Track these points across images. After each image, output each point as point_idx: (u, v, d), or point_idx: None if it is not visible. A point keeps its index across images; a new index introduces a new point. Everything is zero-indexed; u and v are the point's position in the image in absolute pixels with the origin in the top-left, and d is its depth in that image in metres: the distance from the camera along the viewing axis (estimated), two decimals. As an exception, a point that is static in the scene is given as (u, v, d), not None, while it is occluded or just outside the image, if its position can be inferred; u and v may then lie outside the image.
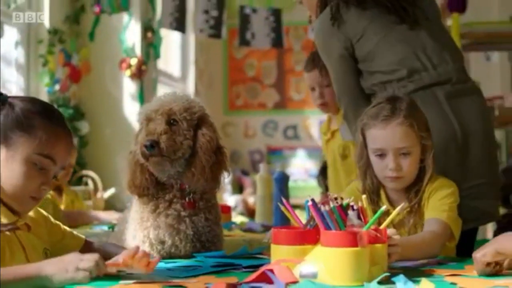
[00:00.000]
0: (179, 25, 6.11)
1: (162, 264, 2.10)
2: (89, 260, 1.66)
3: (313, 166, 8.61)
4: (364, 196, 1.94)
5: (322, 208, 1.74)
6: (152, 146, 2.16)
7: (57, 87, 5.20)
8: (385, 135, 2.29)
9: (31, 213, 1.99)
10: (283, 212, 3.34)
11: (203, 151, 2.22)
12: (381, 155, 2.31)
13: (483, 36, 5.40)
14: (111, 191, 5.04)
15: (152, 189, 2.26)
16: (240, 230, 3.53)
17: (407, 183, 2.34)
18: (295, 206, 4.03)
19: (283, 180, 3.60)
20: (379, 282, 1.65)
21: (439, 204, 2.29)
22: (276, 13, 6.26)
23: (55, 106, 4.95)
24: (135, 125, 5.77)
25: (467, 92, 2.63)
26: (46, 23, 5.26)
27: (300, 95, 8.86)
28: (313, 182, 8.58)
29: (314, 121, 8.73)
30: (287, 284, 1.55)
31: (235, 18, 6.34)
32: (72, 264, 1.66)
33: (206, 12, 6.05)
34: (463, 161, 2.55)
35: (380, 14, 2.71)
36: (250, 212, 7.28)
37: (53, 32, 5.29)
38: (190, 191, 2.26)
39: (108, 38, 5.82)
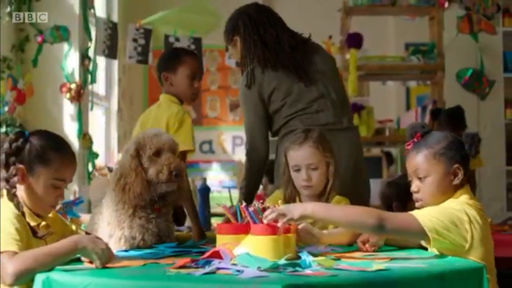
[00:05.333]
0: (111, 52, 6.59)
1: (132, 252, 2.68)
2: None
3: (226, 178, 8.93)
4: (280, 201, 2.56)
5: (250, 209, 2.41)
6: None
7: (6, 109, 5.51)
8: (299, 154, 3.00)
9: (50, 214, 2.56)
10: (205, 218, 4.02)
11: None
12: (297, 170, 3.00)
13: (377, 68, 6.19)
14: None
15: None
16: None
17: (316, 191, 3.01)
18: (214, 214, 4.66)
19: (205, 190, 4.19)
20: (289, 259, 2.21)
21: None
22: (197, 42, 6.65)
23: (4, 126, 5.43)
24: (74, 142, 6.22)
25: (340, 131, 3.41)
26: (-3, 52, 5.56)
27: (215, 113, 9.15)
28: (226, 193, 8.75)
29: (227, 137, 9.08)
30: (231, 258, 2.21)
31: (156, 41, 6.65)
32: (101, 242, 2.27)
33: (135, 40, 6.49)
34: None
35: (286, 74, 3.55)
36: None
37: (3, 60, 5.62)
38: (158, 200, 2.86)
39: (49, 65, 6.12)
